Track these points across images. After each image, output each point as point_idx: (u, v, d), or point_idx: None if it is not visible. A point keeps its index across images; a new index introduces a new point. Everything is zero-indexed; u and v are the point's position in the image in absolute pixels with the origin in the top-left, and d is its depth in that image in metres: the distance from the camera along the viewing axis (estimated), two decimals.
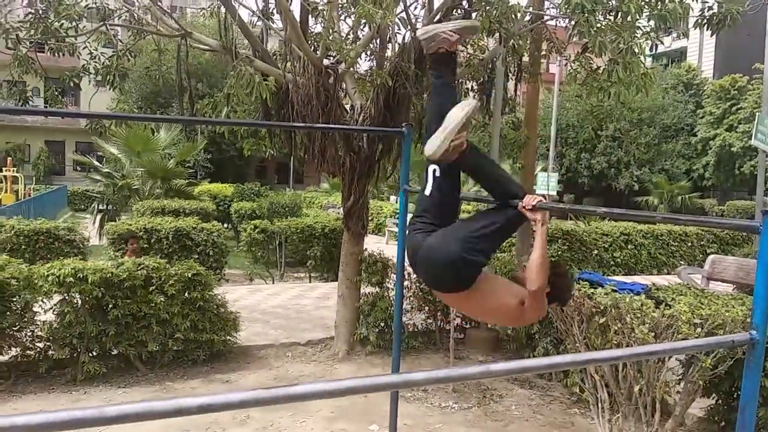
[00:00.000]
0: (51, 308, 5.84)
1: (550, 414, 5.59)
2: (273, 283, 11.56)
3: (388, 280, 7.09)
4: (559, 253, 12.31)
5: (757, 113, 11.50)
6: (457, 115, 2.80)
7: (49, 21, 6.72)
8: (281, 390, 1.30)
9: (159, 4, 7.01)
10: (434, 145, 2.79)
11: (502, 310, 2.83)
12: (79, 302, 5.83)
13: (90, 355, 5.95)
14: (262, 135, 7.40)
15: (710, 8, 6.17)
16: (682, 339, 4.13)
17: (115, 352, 6.06)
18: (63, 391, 5.71)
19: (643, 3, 5.14)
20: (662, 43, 5.75)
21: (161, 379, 6.05)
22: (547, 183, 19.35)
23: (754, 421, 1.92)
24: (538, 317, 2.95)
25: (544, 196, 17.28)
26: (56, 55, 7.10)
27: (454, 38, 2.96)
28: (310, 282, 11.73)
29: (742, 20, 6.27)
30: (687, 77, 37.28)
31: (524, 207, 2.74)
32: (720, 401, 4.91)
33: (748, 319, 1.91)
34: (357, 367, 6.59)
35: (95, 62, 7.05)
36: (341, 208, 7.20)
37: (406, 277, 7.09)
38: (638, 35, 5.47)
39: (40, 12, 6.66)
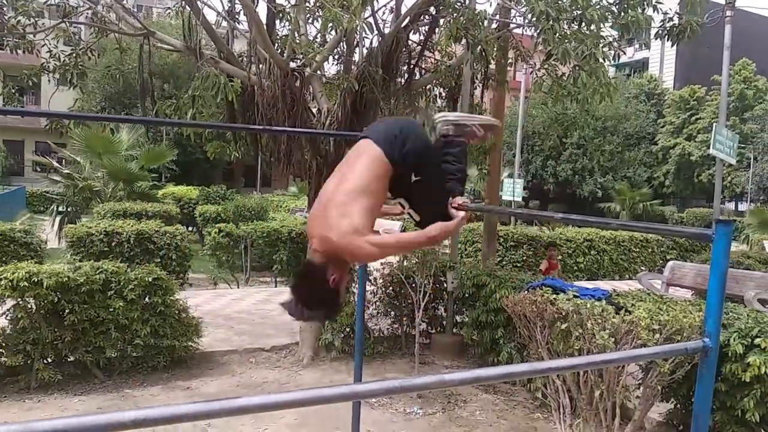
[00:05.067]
0: (4, 313, 5.64)
1: (514, 419, 5.62)
2: (238, 287, 11.40)
3: (353, 284, 7.05)
4: (524, 258, 12.44)
5: (714, 123, 11.82)
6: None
7: (6, 18, 6.53)
8: (220, 403, 1.22)
9: (122, 2, 6.86)
10: (460, 116, 2.78)
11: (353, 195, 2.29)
12: (34, 307, 5.64)
13: (45, 362, 5.76)
14: (228, 138, 7.30)
15: (671, 20, 6.32)
16: (642, 344, 4.19)
17: (71, 358, 5.89)
18: (15, 400, 5.52)
19: (606, 12, 5.24)
20: (625, 53, 5.87)
21: (119, 386, 5.89)
22: (512, 189, 19.54)
23: (707, 429, 1.94)
24: (352, 256, 2.36)
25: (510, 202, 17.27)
26: (14, 52, 6.90)
27: (480, 133, 2.84)
28: (276, 287, 11.60)
29: (701, 33, 6.43)
30: (649, 87, 38.21)
31: (452, 205, 2.59)
32: (678, 405, 5.01)
33: (704, 325, 1.93)
34: (321, 373, 6.52)
35: (54, 60, 6.86)
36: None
37: (372, 282, 7.07)
38: (601, 44, 5.56)
39: None
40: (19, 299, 5.56)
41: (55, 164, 15.65)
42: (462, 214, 2.56)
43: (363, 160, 2.37)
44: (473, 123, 2.83)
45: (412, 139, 2.42)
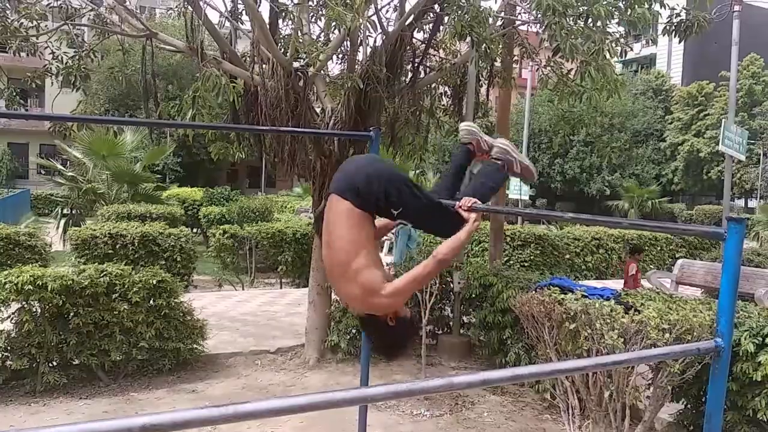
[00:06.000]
0: (9, 317, 5.62)
1: (522, 420, 5.56)
2: (243, 289, 11.37)
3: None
4: (532, 257, 12.37)
5: (723, 119, 11.71)
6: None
7: (9, 20, 6.51)
8: (230, 408, 1.23)
9: (124, 4, 6.83)
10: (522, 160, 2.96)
11: (362, 279, 2.36)
12: (39, 311, 5.62)
13: (50, 365, 5.74)
14: (231, 138, 7.26)
15: (678, 15, 6.23)
16: (651, 344, 4.12)
17: (76, 362, 5.86)
18: (21, 403, 5.50)
19: (612, 8, 5.16)
20: (632, 49, 5.81)
21: (125, 389, 5.86)
22: (520, 188, 19.44)
23: (720, 430, 1.89)
24: (383, 310, 2.46)
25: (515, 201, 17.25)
26: (17, 55, 6.88)
27: (517, 169, 2.99)
28: (281, 288, 11.58)
29: (709, 28, 6.34)
30: (656, 83, 37.96)
31: (461, 207, 2.60)
32: (689, 406, 4.93)
33: (715, 325, 1.87)
34: (327, 375, 6.48)
35: (57, 63, 6.84)
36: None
37: None
38: (609, 40, 5.49)
39: None
40: (24, 303, 5.54)
41: (59, 167, 15.68)
42: (474, 215, 2.53)
43: (338, 222, 2.41)
44: (516, 158, 2.98)
45: (375, 181, 2.42)
